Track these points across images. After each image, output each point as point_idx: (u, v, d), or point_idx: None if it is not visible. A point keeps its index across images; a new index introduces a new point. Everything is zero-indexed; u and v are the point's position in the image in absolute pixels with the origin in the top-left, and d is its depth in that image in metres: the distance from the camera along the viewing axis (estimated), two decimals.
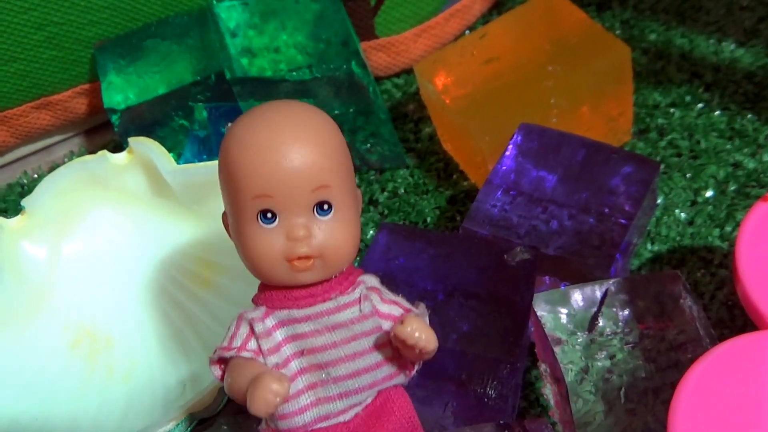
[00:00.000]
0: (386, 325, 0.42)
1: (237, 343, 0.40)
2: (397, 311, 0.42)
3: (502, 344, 0.47)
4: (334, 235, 0.40)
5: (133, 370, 0.53)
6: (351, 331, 0.41)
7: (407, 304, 0.43)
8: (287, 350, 0.41)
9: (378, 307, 0.42)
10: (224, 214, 0.42)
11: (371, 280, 0.43)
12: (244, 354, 0.40)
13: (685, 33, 0.68)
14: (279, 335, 0.41)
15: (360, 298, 0.41)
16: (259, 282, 0.42)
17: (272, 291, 0.41)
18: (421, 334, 0.40)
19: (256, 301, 0.42)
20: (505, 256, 0.50)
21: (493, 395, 0.48)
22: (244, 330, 0.41)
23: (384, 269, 0.50)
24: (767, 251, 0.45)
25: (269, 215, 0.39)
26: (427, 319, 0.42)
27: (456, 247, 0.51)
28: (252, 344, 0.40)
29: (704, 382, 0.41)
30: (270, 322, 0.41)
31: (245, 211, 0.40)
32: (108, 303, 0.55)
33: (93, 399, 0.51)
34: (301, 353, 0.41)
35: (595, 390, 0.49)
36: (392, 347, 0.41)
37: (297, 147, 0.39)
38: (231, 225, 0.41)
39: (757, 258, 0.45)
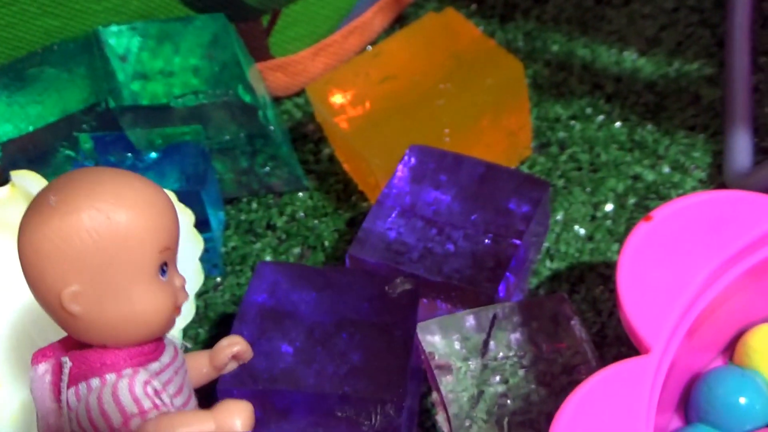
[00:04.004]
0: None
1: (148, 403, 0.39)
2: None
3: (387, 382, 0.47)
4: None
5: (21, 412, 0.52)
6: (185, 371, 0.43)
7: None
8: (166, 396, 0.40)
9: None
10: (71, 293, 0.39)
11: None
12: (163, 408, 0.39)
13: (587, 43, 0.67)
14: (156, 385, 0.40)
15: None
16: (94, 349, 0.40)
17: (131, 350, 0.40)
18: (246, 346, 0.45)
19: (120, 366, 0.40)
20: (386, 287, 0.50)
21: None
22: (140, 390, 0.39)
23: (267, 305, 0.49)
24: (648, 274, 0.44)
25: (165, 267, 0.40)
26: None
27: (340, 281, 0.50)
28: (159, 400, 0.40)
29: (581, 411, 0.41)
30: (143, 377, 0.40)
31: (146, 268, 0.39)
32: None
33: None
34: (174, 395, 0.41)
35: (487, 416, 0.49)
36: None
37: (166, 200, 0.41)
38: (109, 295, 0.39)
39: (638, 281, 0.44)
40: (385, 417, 0.46)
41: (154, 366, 0.41)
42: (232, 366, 0.45)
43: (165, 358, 0.41)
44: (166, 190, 0.44)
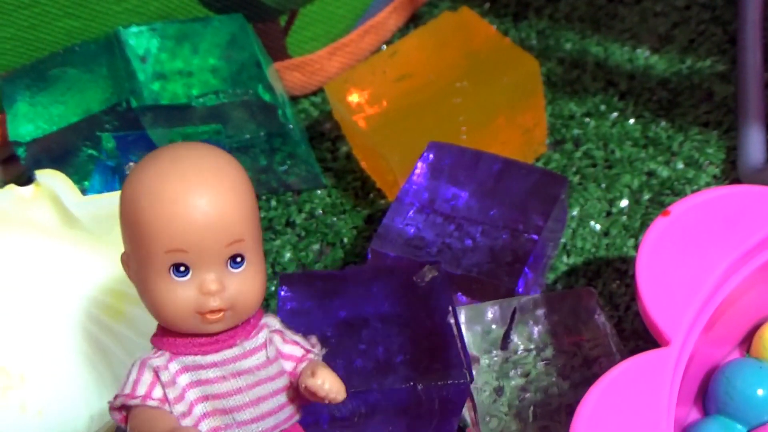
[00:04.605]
0: (288, 365, 0.42)
1: (141, 391, 0.40)
2: (298, 351, 0.42)
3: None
4: (245, 287, 0.40)
5: (46, 406, 0.53)
6: (256, 377, 0.41)
7: (307, 344, 0.43)
8: (191, 395, 0.40)
9: (281, 348, 0.42)
10: (124, 255, 0.42)
11: (274, 322, 0.43)
12: (150, 403, 0.39)
13: (600, 41, 0.68)
14: (182, 381, 0.40)
15: (265, 342, 0.42)
16: (158, 324, 0.42)
17: (176, 337, 0.41)
18: (331, 386, 0.40)
19: (158, 345, 0.41)
20: (414, 277, 0.50)
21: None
22: (148, 377, 0.40)
23: (292, 321, 0.49)
24: (667, 268, 0.45)
25: (182, 269, 0.39)
26: (321, 357, 0.43)
27: (366, 280, 0.50)
28: (157, 392, 0.40)
29: (602, 403, 0.41)
30: (174, 367, 0.40)
31: (156, 263, 0.39)
32: (20, 337, 0.55)
33: None
34: (206, 398, 0.40)
35: (508, 409, 0.49)
36: (293, 389, 0.42)
37: (211, 201, 0.39)
38: (136, 271, 0.41)
39: (657, 275, 0.45)
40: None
41: (198, 359, 0.40)
42: (319, 400, 0.41)
43: (217, 356, 0.40)
44: None
